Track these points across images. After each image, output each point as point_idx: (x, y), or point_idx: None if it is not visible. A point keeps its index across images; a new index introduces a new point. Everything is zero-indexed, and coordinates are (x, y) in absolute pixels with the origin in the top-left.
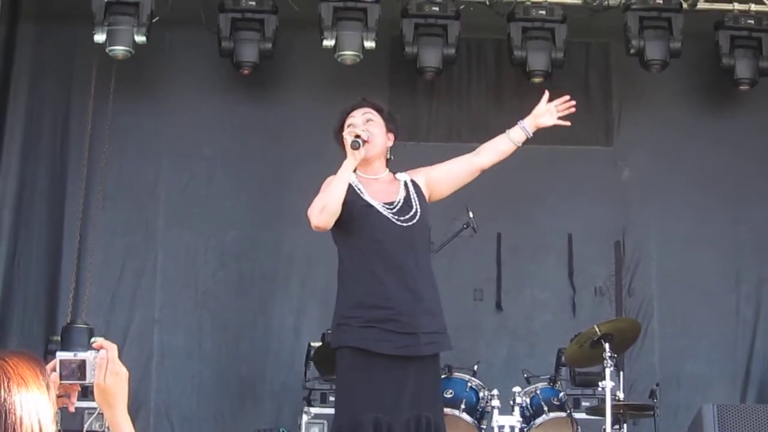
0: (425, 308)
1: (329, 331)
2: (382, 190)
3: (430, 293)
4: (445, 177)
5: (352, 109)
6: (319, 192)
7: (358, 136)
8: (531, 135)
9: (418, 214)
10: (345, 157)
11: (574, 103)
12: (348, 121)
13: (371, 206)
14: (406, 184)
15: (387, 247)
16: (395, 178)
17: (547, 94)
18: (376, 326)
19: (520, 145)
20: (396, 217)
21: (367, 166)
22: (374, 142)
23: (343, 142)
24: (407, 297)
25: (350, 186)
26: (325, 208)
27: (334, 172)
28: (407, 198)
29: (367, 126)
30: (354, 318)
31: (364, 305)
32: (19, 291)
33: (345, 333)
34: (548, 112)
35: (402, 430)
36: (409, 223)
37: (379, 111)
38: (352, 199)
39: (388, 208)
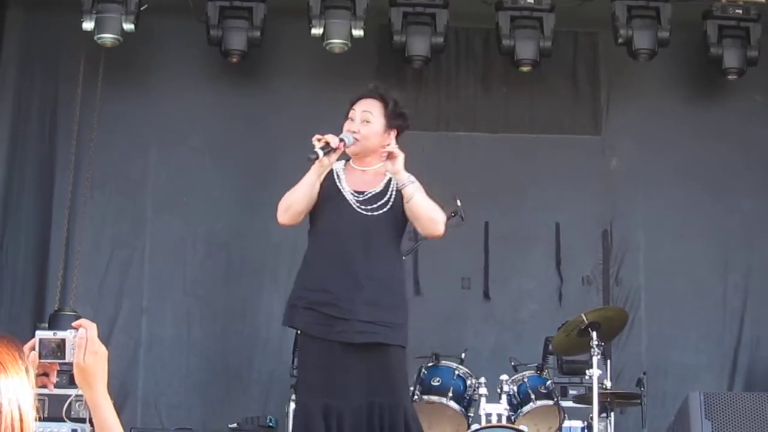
0: (366, 297)
1: None
2: (362, 180)
3: (377, 283)
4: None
5: (359, 98)
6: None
7: (327, 144)
8: (404, 184)
9: (387, 206)
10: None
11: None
12: (350, 113)
13: (339, 192)
14: (390, 180)
15: (341, 232)
16: (385, 173)
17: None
18: (315, 309)
19: (410, 196)
20: (360, 205)
21: (357, 159)
22: (363, 143)
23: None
24: (348, 284)
25: (331, 170)
26: (289, 209)
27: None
28: (383, 191)
29: (361, 126)
30: (300, 299)
31: (311, 287)
32: (6, 278)
33: (291, 313)
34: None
35: (353, 416)
36: (372, 213)
37: (385, 104)
38: (327, 183)
39: (355, 196)
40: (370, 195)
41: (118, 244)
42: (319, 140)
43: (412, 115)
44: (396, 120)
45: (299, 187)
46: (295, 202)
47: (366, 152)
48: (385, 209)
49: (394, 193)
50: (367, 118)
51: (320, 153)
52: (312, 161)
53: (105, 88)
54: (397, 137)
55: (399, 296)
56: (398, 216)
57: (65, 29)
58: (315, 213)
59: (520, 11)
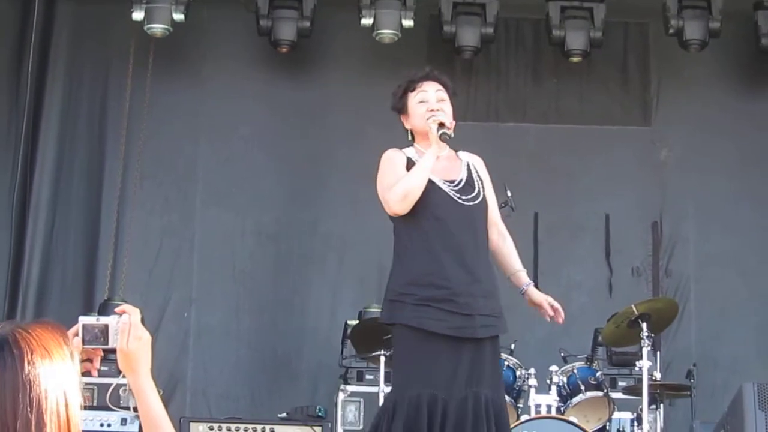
0: (483, 289)
1: (365, 309)
2: (444, 168)
3: (487, 275)
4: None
5: (421, 80)
6: (384, 168)
7: (442, 124)
8: (521, 292)
9: (481, 195)
10: (401, 122)
11: (561, 317)
12: (419, 95)
13: (433, 183)
14: (468, 166)
15: (448, 225)
16: (457, 156)
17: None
18: (431, 305)
19: (515, 284)
20: (458, 195)
21: (430, 143)
22: (448, 122)
23: (401, 108)
24: (465, 277)
25: (411, 162)
26: (407, 197)
27: (392, 146)
28: (469, 178)
29: (442, 106)
30: (409, 295)
31: (420, 283)
32: (57, 268)
33: (399, 310)
34: (542, 306)
35: (459, 407)
36: (472, 203)
37: (447, 88)
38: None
39: (450, 186)
40: (462, 184)
41: (168, 234)
42: (434, 122)
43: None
44: (455, 100)
45: (418, 173)
46: (413, 189)
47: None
48: (479, 198)
49: (478, 179)
50: (442, 97)
51: (448, 133)
52: (447, 140)
53: (154, 78)
54: None
55: (496, 284)
56: (486, 203)
57: (115, 19)
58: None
59: (571, 1)
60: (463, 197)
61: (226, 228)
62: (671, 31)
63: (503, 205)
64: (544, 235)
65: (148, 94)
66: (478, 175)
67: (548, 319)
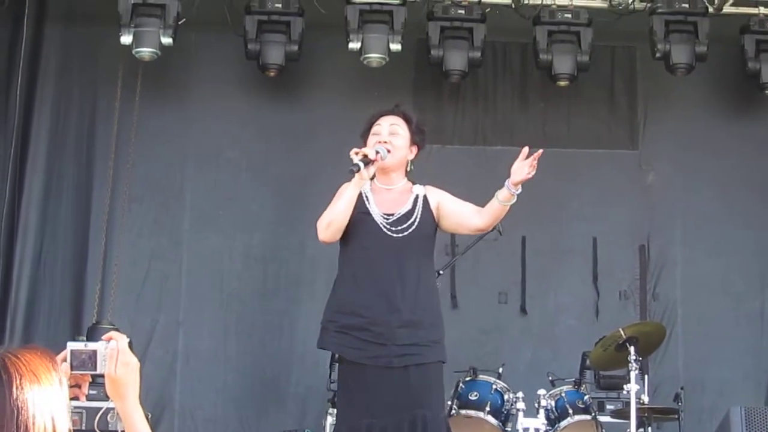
0: (403, 320)
1: None
2: (390, 200)
3: (413, 304)
4: (450, 215)
5: (381, 115)
6: (332, 200)
7: (366, 156)
8: (514, 192)
9: (414, 225)
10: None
11: (535, 154)
12: (374, 129)
13: (368, 214)
14: (416, 198)
15: (372, 255)
16: (411, 189)
17: (524, 150)
18: (349, 333)
19: (507, 203)
20: (389, 227)
21: (383, 176)
22: (395, 155)
23: (366, 138)
24: (383, 307)
25: (360, 193)
26: (330, 225)
27: (348, 179)
28: (410, 211)
29: (391, 138)
30: (332, 322)
31: (343, 311)
32: (44, 292)
33: (324, 336)
34: (521, 167)
35: (395, 430)
36: (400, 234)
37: (408, 121)
38: (357, 204)
39: (384, 218)
40: (399, 216)
41: (156, 257)
42: (356, 153)
43: (427, 128)
44: (418, 135)
45: (340, 203)
46: (336, 218)
47: (393, 167)
48: (411, 229)
49: (420, 210)
50: (395, 131)
51: (361, 165)
52: (353, 174)
53: (143, 102)
54: (416, 154)
55: (436, 313)
56: (428, 231)
57: (103, 43)
58: (345, 236)
59: (558, 25)
60: (393, 229)
61: (214, 251)
62: (658, 55)
63: (491, 229)
64: (532, 259)
65: (136, 118)
66: (425, 206)
67: (530, 170)
